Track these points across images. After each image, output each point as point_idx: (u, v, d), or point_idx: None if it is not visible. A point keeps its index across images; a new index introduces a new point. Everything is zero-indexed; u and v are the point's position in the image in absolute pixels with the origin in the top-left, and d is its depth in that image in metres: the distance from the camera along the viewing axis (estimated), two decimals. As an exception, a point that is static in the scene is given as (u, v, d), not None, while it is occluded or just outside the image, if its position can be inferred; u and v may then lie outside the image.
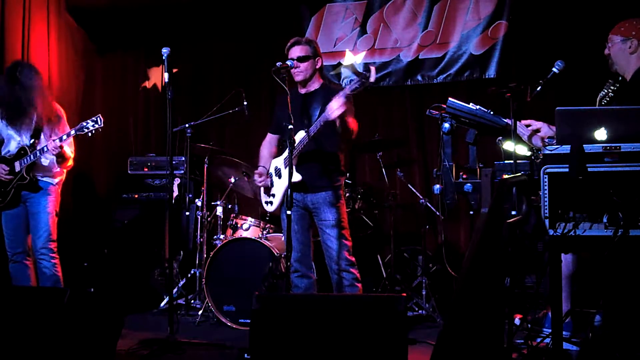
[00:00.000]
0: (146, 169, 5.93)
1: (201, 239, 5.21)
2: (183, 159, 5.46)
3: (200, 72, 6.69)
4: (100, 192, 6.13)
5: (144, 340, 3.98)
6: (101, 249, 5.64)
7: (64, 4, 5.80)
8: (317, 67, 4.11)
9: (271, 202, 4.18)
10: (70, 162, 4.49)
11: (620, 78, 3.58)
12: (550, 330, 3.14)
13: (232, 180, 5.26)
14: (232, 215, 5.21)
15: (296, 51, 4.07)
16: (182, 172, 5.57)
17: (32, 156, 4.32)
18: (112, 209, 5.87)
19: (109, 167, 6.23)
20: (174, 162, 5.51)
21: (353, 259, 4.07)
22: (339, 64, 6.19)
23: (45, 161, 4.40)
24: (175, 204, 5.54)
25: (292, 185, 3.81)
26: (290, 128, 3.87)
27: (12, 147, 4.41)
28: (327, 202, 4.05)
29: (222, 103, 5.09)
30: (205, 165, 5.29)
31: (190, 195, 5.46)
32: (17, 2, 5.24)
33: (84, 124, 4.26)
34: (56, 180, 4.47)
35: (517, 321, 3.49)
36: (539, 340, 3.27)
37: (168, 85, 3.99)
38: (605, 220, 2.57)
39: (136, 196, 5.87)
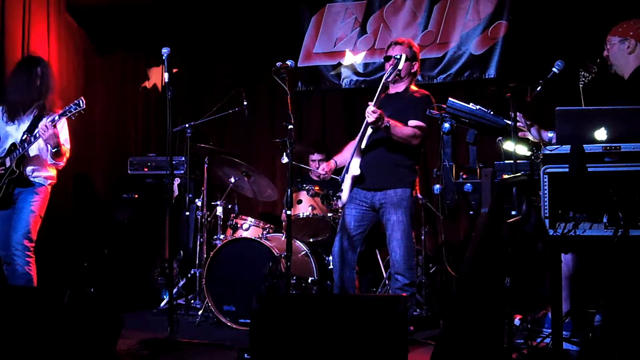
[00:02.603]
0: (146, 169, 5.93)
1: (201, 239, 5.20)
2: (183, 159, 5.45)
3: (200, 72, 6.70)
4: (100, 192, 6.13)
5: (144, 340, 3.98)
6: (101, 249, 5.63)
7: (64, 4, 5.79)
8: (412, 70, 4.18)
9: (340, 197, 4.24)
10: (64, 161, 4.44)
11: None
12: (550, 330, 3.14)
13: (232, 180, 5.26)
14: (232, 215, 5.21)
15: (395, 50, 4.12)
16: (182, 172, 5.57)
17: (20, 149, 4.30)
18: (112, 209, 5.86)
19: (109, 167, 6.22)
20: (174, 162, 5.49)
21: (413, 262, 4.11)
22: (339, 64, 6.19)
23: (33, 151, 4.35)
24: (175, 204, 5.54)
25: (357, 182, 4.06)
26: (290, 128, 3.89)
27: (7, 145, 4.39)
28: (394, 201, 4.06)
29: (222, 103, 5.09)
30: (205, 165, 5.29)
31: (190, 195, 5.46)
32: (17, 2, 5.24)
33: (67, 107, 4.26)
34: (48, 181, 4.43)
35: (517, 321, 3.49)
36: (539, 340, 3.28)
37: (168, 85, 3.99)
38: (605, 220, 2.57)
39: (136, 196, 5.87)
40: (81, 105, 4.23)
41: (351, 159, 4.11)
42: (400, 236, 4.04)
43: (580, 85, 3.56)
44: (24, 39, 5.27)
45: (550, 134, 3.25)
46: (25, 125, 4.38)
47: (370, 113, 3.81)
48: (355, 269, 4.23)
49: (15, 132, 4.40)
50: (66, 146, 4.42)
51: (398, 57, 3.92)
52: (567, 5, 5.44)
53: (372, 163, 4.09)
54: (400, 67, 3.88)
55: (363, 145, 4.08)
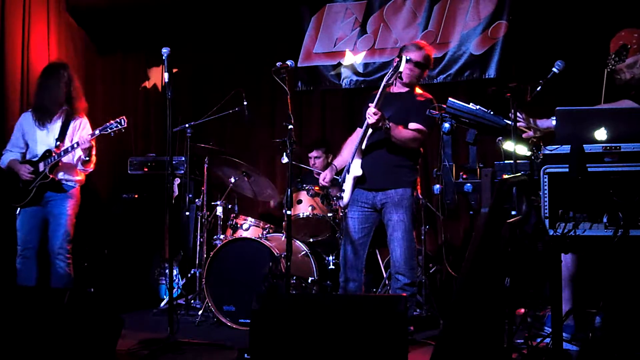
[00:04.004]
0: (146, 169, 5.93)
1: (201, 239, 5.20)
2: (183, 159, 5.45)
3: (200, 72, 6.69)
4: (101, 192, 6.13)
5: (144, 340, 3.98)
6: (101, 249, 5.63)
7: (64, 4, 5.80)
8: (421, 76, 4.20)
9: (342, 197, 4.23)
10: (92, 167, 4.65)
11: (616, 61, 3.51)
12: (550, 330, 3.14)
13: (232, 180, 5.26)
14: (232, 215, 5.21)
15: (417, 55, 4.12)
16: (182, 172, 5.57)
17: (56, 156, 4.48)
18: (112, 209, 5.86)
19: (109, 167, 6.22)
20: (174, 162, 5.51)
21: (414, 262, 4.11)
22: (339, 64, 6.18)
23: (66, 159, 4.55)
24: (175, 204, 5.54)
25: (358, 183, 4.07)
26: (290, 128, 3.89)
27: (39, 150, 4.56)
28: (395, 201, 4.06)
29: (222, 103, 5.09)
30: (205, 165, 5.29)
31: (190, 195, 5.46)
32: (17, 2, 5.24)
33: (107, 124, 4.45)
34: (78, 184, 4.66)
35: (520, 313, 3.48)
36: (539, 340, 3.28)
37: (168, 85, 4.00)
38: (605, 220, 2.57)
39: (136, 196, 5.87)
40: (122, 124, 4.45)
41: (352, 159, 4.12)
42: (401, 236, 4.05)
43: (607, 70, 3.48)
44: (24, 39, 5.28)
45: (554, 121, 3.20)
46: (55, 130, 4.57)
47: (372, 115, 3.81)
48: (363, 272, 4.22)
49: (46, 137, 4.58)
50: (94, 152, 4.62)
51: (399, 59, 3.91)
52: (567, 5, 5.44)
53: (372, 164, 4.10)
54: (401, 69, 3.86)
55: (363, 146, 4.09)
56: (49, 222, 4.56)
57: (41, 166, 4.50)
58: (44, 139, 4.57)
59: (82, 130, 4.61)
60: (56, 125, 4.58)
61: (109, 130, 4.44)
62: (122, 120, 4.45)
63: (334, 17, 6.22)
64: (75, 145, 4.46)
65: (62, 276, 4.50)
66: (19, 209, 4.56)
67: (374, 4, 6.09)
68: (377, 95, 3.87)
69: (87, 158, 4.53)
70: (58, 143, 4.52)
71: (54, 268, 4.52)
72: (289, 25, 6.35)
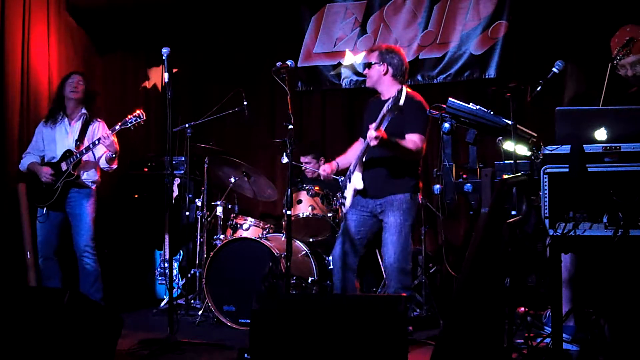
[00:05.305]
0: (146, 169, 5.93)
1: (201, 239, 5.20)
2: (183, 159, 5.46)
3: (200, 72, 6.70)
4: (101, 192, 6.12)
5: (144, 340, 3.98)
6: (101, 249, 5.63)
7: (64, 4, 5.79)
8: (383, 73, 4.09)
9: (344, 204, 4.21)
10: (116, 164, 4.78)
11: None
12: (550, 330, 3.14)
13: (232, 180, 5.26)
14: (232, 215, 5.21)
15: (366, 58, 4.14)
16: (182, 172, 5.57)
17: (78, 154, 4.61)
18: (112, 209, 5.86)
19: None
20: (174, 162, 5.51)
21: (407, 266, 4.03)
22: (339, 64, 6.18)
23: (87, 157, 4.69)
24: (175, 204, 5.54)
25: (359, 192, 4.03)
26: (290, 128, 3.88)
27: (59, 151, 4.70)
28: (393, 205, 4.02)
29: (222, 103, 5.09)
30: (205, 165, 5.29)
31: (190, 195, 5.46)
32: (17, 2, 5.24)
33: (127, 119, 4.58)
34: (96, 184, 4.81)
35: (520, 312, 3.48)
36: (539, 340, 3.28)
37: (168, 85, 4.00)
38: (605, 220, 2.57)
39: (136, 196, 5.87)
40: (141, 117, 4.59)
41: (353, 171, 4.08)
42: (395, 239, 3.96)
43: (613, 63, 3.45)
44: (24, 38, 5.28)
45: None
46: (74, 133, 4.73)
47: (373, 139, 3.67)
48: (355, 272, 4.21)
49: (66, 139, 4.73)
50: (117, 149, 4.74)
51: (399, 92, 3.67)
52: (567, 5, 5.44)
53: (373, 176, 4.05)
54: (401, 103, 3.65)
55: (364, 159, 4.05)
56: (71, 223, 4.69)
57: (63, 166, 4.64)
58: (63, 141, 4.71)
59: (100, 132, 4.74)
60: (75, 128, 4.73)
61: (129, 125, 4.57)
62: (141, 114, 4.58)
63: (334, 17, 6.22)
64: (96, 142, 4.58)
65: (91, 272, 4.67)
66: (42, 210, 4.67)
67: (374, 4, 6.09)
68: (379, 119, 3.71)
69: (114, 155, 4.64)
70: (78, 143, 4.67)
71: (82, 265, 4.67)
72: (289, 25, 6.35)
